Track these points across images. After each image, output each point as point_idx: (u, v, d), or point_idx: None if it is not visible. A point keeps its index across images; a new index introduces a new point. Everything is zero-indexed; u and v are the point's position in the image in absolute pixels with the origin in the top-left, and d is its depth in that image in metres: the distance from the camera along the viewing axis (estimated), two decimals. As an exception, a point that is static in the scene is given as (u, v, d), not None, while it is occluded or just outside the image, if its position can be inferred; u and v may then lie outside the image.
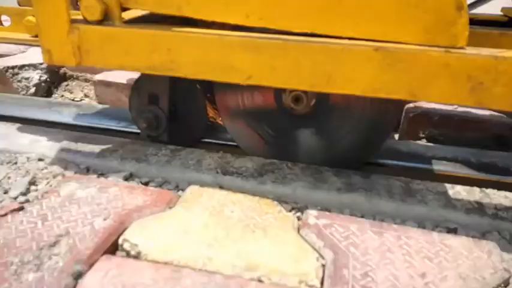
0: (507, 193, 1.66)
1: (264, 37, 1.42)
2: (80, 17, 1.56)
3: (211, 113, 2.14)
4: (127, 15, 1.64)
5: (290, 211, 1.55)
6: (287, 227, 1.39)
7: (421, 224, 1.53)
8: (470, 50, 1.29)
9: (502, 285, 1.23)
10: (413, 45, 1.32)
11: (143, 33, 1.51)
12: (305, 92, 1.77)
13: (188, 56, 1.50)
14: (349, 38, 1.38)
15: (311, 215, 1.44)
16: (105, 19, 1.54)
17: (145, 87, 1.97)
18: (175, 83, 1.88)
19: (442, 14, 1.28)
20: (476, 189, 1.69)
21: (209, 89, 1.97)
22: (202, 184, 1.63)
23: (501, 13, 2.13)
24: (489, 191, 1.68)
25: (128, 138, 2.08)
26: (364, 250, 1.29)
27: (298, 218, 1.49)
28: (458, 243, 1.35)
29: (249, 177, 1.70)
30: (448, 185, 1.71)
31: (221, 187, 1.67)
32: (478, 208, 1.57)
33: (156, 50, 1.52)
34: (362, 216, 1.56)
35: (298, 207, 1.59)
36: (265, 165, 1.79)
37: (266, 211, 1.47)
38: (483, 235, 1.48)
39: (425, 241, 1.34)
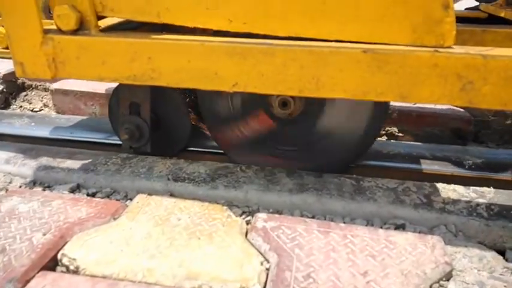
0: (456, 186, 1.67)
1: (249, 42, 1.39)
2: (54, 27, 1.48)
3: (194, 120, 2.08)
4: (103, 23, 1.57)
5: (240, 215, 1.53)
6: (234, 232, 1.38)
7: (370, 221, 1.52)
8: (458, 49, 1.29)
9: (444, 278, 1.23)
10: (402, 46, 1.31)
11: (122, 41, 1.45)
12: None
13: (170, 64, 1.44)
14: (336, 41, 1.35)
15: (260, 218, 1.43)
16: (80, 28, 1.48)
17: (125, 96, 1.89)
18: (157, 90, 1.81)
19: (429, 13, 1.27)
20: (426, 184, 1.69)
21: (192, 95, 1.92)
22: (153, 192, 1.60)
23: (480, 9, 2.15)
24: (439, 185, 1.68)
25: (80, 148, 2.04)
26: (309, 251, 1.29)
27: (248, 222, 1.47)
28: (404, 239, 1.35)
29: (201, 183, 1.67)
30: (398, 181, 1.71)
31: (172, 194, 1.63)
32: (426, 203, 1.57)
33: (136, 59, 1.46)
34: (313, 217, 1.55)
35: (250, 210, 1.57)
36: (219, 170, 1.77)
37: (214, 217, 1.45)
38: (431, 229, 1.48)
39: (371, 239, 1.35)
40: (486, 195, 1.63)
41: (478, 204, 1.57)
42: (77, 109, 2.84)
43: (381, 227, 1.49)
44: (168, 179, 1.70)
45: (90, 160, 1.83)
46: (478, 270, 1.29)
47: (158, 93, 1.82)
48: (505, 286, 1.21)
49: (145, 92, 1.83)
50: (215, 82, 1.43)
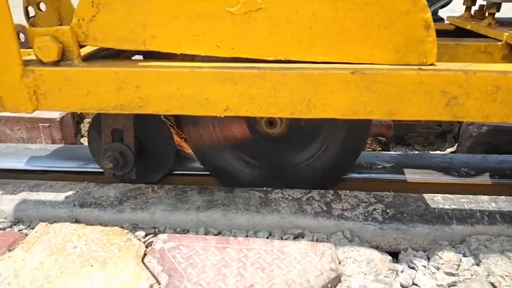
0: (358, 192, 1.76)
1: (239, 67, 1.39)
2: (34, 58, 1.43)
3: (179, 142, 2.05)
4: (82, 51, 1.53)
5: (144, 237, 1.55)
6: (129, 257, 1.39)
7: (272, 233, 1.58)
8: (441, 66, 1.35)
9: (329, 285, 1.28)
10: (388, 66, 1.36)
11: (107, 71, 1.42)
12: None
13: (159, 92, 1.43)
14: (323, 62, 1.39)
15: (160, 239, 1.46)
16: (62, 59, 1.43)
17: (107, 123, 1.83)
18: (139, 115, 1.77)
19: (411, 34, 1.32)
20: (330, 191, 1.77)
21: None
22: (58, 219, 1.60)
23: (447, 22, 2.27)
24: (342, 192, 1.77)
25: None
26: (201, 269, 1.33)
27: (150, 244, 1.49)
28: (296, 249, 1.41)
29: (107, 207, 1.68)
30: (304, 191, 1.78)
31: (77, 220, 1.63)
32: (326, 211, 1.65)
33: (123, 87, 1.43)
34: (219, 232, 1.60)
35: (156, 231, 1.60)
36: (129, 192, 1.79)
37: (112, 242, 1.46)
38: (329, 236, 1.55)
39: (265, 251, 1.40)
40: (385, 199, 1.72)
41: (375, 209, 1.65)
42: (3, 135, 2.72)
43: (281, 238, 1.54)
44: (74, 205, 1.69)
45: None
46: (365, 274, 1.35)
47: (141, 119, 1.79)
48: None
49: (128, 117, 1.79)
50: (206, 107, 1.43)
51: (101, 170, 2.00)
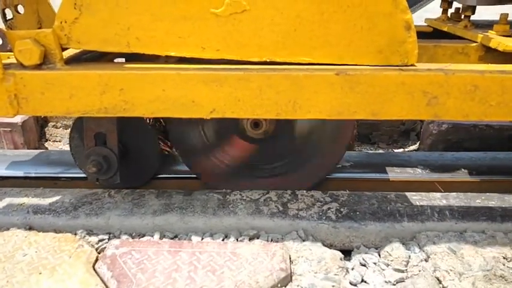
0: (314, 192, 1.80)
1: (224, 69, 1.40)
2: (14, 61, 1.39)
3: (164, 145, 2.03)
4: (64, 54, 1.50)
5: (98, 243, 1.55)
6: (79, 263, 1.39)
7: (228, 235, 1.60)
8: (421, 66, 1.39)
9: (279, 285, 1.32)
10: (371, 67, 1.38)
11: (91, 74, 1.40)
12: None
13: (144, 95, 1.42)
14: (308, 64, 1.40)
15: (112, 245, 1.47)
16: (44, 62, 1.40)
17: (89, 127, 1.80)
18: (123, 118, 1.75)
19: (393, 35, 1.36)
20: (287, 192, 1.81)
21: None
22: (11, 227, 1.57)
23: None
24: (299, 192, 1.80)
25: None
26: (151, 274, 1.34)
27: (103, 250, 1.49)
28: (249, 250, 1.44)
29: (61, 213, 1.67)
30: (262, 192, 1.81)
31: (31, 227, 1.62)
32: (282, 211, 1.68)
33: (106, 91, 1.41)
34: (175, 236, 1.60)
35: (110, 237, 1.60)
36: (85, 197, 1.78)
37: (63, 249, 1.45)
38: (284, 236, 1.58)
39: (217, 253, 1.42)
40: (340, 198, 1.77)
41: (329, 208, 1.69)
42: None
43: (237, 239, 1.56)
44: (28, 212, 1.67)
45: None
46: (315, 273, 1.39)
47: (124, 122, 1.77)
48: (333, 286, 1.33)
49: (112, 121, 1.76)
50: (192, 110, 1.43)
51: (59, 176, 1.98)
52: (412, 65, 1.39)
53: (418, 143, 3.04)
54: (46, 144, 3.17)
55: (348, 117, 1.43)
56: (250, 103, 1.42)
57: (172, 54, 1.42)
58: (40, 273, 1.32)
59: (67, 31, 1.38)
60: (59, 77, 1.40)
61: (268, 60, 1.42)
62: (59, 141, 3.19)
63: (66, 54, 1.53)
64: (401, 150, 3.09)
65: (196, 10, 1.37)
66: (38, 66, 1.39)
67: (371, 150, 3.10)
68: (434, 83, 1.36)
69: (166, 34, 1.39)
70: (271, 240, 1.56)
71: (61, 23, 1.37)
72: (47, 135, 3.21)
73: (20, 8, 1.89)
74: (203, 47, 1.41)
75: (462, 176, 2.16)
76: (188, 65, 1.43)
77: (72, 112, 1.44)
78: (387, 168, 2.20)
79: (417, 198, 1.78)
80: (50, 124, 3.22)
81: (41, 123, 3.19)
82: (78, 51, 1.58)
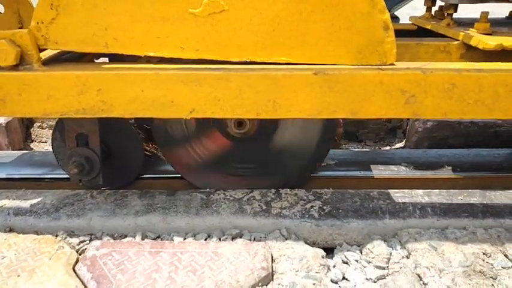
0: (298, 190, 1.81)
1: (203, 69, 1.39)
2: (-10, 62, 1.37)
3: (149, 146, 2.02)
4: (43, 54, 1.49)
5: (79, 244, 1.54)
6: (59, 265, 1.38)
7: (211, 235, 1.59)
8: (400, 65, 1.39)
9: (260, 283, 1.33)
10: (349, 66, 1.39)
11: (68, 75, 1.39)
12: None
13: (122, 95, 1.41)
14: (288, 64, 1.40)
15: (92, 246, 1.46)
16: (21, 63, 1.39)
17: (71, 128, 1.78)
18: (105, 119, 1.74)
19: (372, 34, 1.36)
20: (271, 191, 1.81)
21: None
22: None
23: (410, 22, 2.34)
24: (283, 190, 1.81)
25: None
26: (131, 275, 1.33)
27: (84, 251, 1.49)
28: (230, 249, 1.44)
29: (43, 215, 1.66)
30: (246, 191, 1.80)
31: (12, 229, 1.61)
32: (265, 210, 1.68)
33: (84, 91, 1.40)
34: (158, 236, 1.60)
35: (91, 238, 1.59)
36: (67, 198, 1.77)
37: (43, 250, 1.45)
38: (267, 235, 1.59)
39: (199, 253, 1.42)
40: (323, 196, 1.77)
41: (312, 206, 1.70)
42: None
43: (220, 239, 1.56)
44: (8, 214, 1.66)
45: None
46: (296, 271, 1.39)
47: (106, 122, 1.76)
48: (313, 283, 1.34)
49: (93, 121, 1.75)
50: (172, 110, 1.42)
51: (42, 177, 1.96)
52: (391, 64, 1.40)
53: (404, 141, 3.07)
54: (32, 145, 3.14)
55: (327, 116, 1.43)
56: (230, 103, 1.42)
57: (151, 54, 1.41)
58: (19, 276, 1.31)
59: (44, 32, 1.37)
60: (36, 78, 1.38)
61: (248, 60, 1.42)
62: (45, 142, 3.16)
63: (46, 54, 1.52)
64: (388, 147, 3.12)
65: (174, 10, 1.36)
66: (14, 67, 1.38)
67: (358, 148, 3.11)
68: (412, 82, 1.37)
69: (145, 34, 1.39)
70: (254, 239, 1.56)
71: (38, 23, 1.36)
72: (33, 136, 3.18)
73: (0, 8, 1.87)
74: (182, 47, 1.40)
75: (445, 172, 2.18)
76: (168, 64, 1.42)
77: (50, 113, 1.42)
78: (372, 166, 2.21)
79: (400, 195, 1.79)
80: (36, 125, 3.19)
81: (27, 123, 3.16)
82: (57, 51, 1.56)
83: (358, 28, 1.36)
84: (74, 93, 1.40)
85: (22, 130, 3.06)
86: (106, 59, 1.78)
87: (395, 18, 3.80)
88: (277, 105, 1.41)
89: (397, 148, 3.05)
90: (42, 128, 3.20)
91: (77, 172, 1.76)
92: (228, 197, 1.76)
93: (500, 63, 1.42)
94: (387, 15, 1.34)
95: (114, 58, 1.56)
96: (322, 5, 1.34)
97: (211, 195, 1.76)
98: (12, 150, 2.83)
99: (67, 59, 1.57)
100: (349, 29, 1.36)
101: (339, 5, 1.34)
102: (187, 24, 1.37)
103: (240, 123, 1.80)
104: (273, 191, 1.79)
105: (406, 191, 1.83)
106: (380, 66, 1.38)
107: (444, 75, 1.36)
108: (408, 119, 2.99)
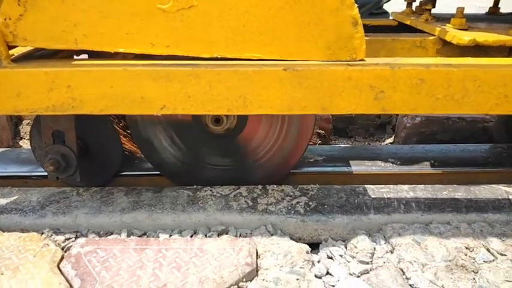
0: (285, 186, 1.81)
1: (172, 65, 1.39)
2: (-42, 60, 1.37)
3: (127, 144, 2.03)
4: (16, 51, 1.49)
5: (64, 241, 1.54)
6: (43, 263, 1.38)
7: (197, 231, 1.59)
8: (369, 61, 1.39)
9: (244, 279, 1.33)
10: (319, 62, 1.38)
11: (37, 71, 1.39)
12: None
13: (91, 92, 1.40)
14: (259, 60, 1.40)
15: (77, 243, 1.47)
16: (-11, 60, 1.38)
17: (47, 125, 1.78)
18: (82, 116, 1.74)
19: (340, 31, 1.36)
20: (258, 187, 1.81)
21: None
22: None
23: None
24: (270, 187, 1.81)
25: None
26: (115, 272, 1.34)
27: (69, 249, 1.48)
28: (215, 245, 1.44)
29: (28, 212, 1.66)
30: (232, 187, 1.80)
31: None
32: (252, 206, 1.68)
33: (54, 88, 1.40)
34: (144, 233, 1.60)
35: (77, 235, 1.59)
36: (53, 196, 1.77)
37: (28, 248, 1.44)
38: (252, 231, 1.59)
39: (184, 250, 1.42)
40: (309, 192, 1.77)
41: (298, 202, 1.70)
42: None
43: (205, 235, 1.56)
44: None
45: None
46: (281, 267, 1.39)
47: (83, 119, 1.75)
48: (297, 279, 1.34)
49: (69, 118, 1.75)
50: (142, 106, 1.42)
51: (29, 174, 1.97)
52: (360, 60, 1.39)
53: (393, 136, 3.06)
54: (21, 143, 3.14)
55: (298, 112, 1.43)
56: (201, 99, 1.41)
57: (121, 51, 1.41)
58: (2, 274, 1.31)
59: (12, 28, 1.36)
60: (5, 75, 1.38)
61: (219, 56, 1.41)
62: (34, 139, 3.16)
63: (18, 51, 1.52)
64: (377, 143, 3.12)
65: (143, 6, 1.35)
66: (-18, 64, 1.38)
67: (348, 143, 3.11)
68: (380, 78, 1.36)
69: (114, 30, 1.38)
70: (240, 235, 1.56)
71: (5, 19, 1.35)
72: (22, 133, 3.18)
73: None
74: (152, 44, 1.40)
75: (431, 168, 2.18)
76: (137, 61, 1.42)
77: (20, 111, 1.42)
78: (359, 162, 2.22)
79: (385, 190, 1.79)
80: (25, 122, 3.20)
81: (15, 121, 3.16)
82: (31, 48, 1.56)
83: (327, 24, 1.35)
84: (43, 90, 1.39)
85: (11, 127, 3.07)
86: (86, 56, 1.78)
87: (384, 14, 3.79)
88: (248, 101, 1.41)
89: (385, 144, 3.05)
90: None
91: (53, 169, 1.76)
92: (214, 194, 1.76)
93: (469, 58, 1.41)
94: (356, 11, 1.34)
95: (93, 55, 1.55)
96: (290, 1, 1.33)
97: (198, 192, 1.76)
98: (0, 147, 2.84)
99: (41, 55, 1.57)
100: (318, 25, 1.35)
101: (308, 1, 1.33)
102: (157, 20, 1.37)
103: (217, 119, 1.80)
104: (260, 187, 1.79)
105: (391, 186, 1.84)
106: (349, 62, 1.38)
107: (412, 70, 1.35)
108: (397, 115, 2.98)
